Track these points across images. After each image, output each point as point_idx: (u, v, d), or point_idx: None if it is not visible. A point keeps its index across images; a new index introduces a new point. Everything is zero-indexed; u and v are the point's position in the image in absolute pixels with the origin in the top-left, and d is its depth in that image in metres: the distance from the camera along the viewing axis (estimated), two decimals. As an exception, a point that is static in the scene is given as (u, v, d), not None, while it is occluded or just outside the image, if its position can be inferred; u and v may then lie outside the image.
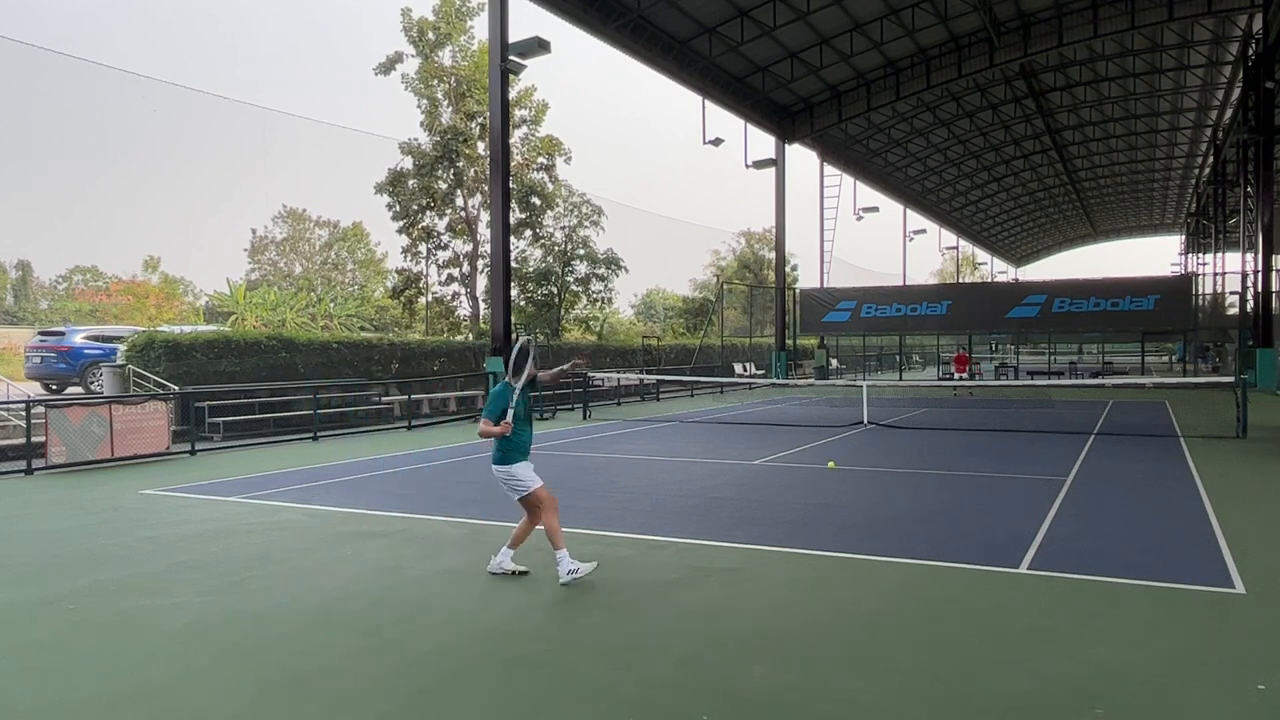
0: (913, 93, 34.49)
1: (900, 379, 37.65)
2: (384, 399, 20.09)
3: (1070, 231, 78.85)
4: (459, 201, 31.94)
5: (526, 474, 5.99)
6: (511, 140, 26.79)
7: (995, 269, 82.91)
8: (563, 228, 34.62)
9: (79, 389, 18.27)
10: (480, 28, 30.56)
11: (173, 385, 16.04)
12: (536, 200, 32.81)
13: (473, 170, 31.03)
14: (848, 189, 43.55)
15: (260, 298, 39.63)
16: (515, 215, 29.81)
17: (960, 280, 69.93)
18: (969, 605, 5.30)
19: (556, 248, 34.61)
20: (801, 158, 61.42)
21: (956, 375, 28.78)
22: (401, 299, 33.64)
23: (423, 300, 33.67)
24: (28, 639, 4.90)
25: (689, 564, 6.37)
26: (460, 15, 30.49)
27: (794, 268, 50.72)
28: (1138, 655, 4.40)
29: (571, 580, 5.82)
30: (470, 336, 31.13)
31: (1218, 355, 40.48)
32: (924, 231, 56.16)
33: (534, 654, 4.54)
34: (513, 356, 6.06)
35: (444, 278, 33.10)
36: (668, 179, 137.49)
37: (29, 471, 11.51)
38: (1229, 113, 37.19)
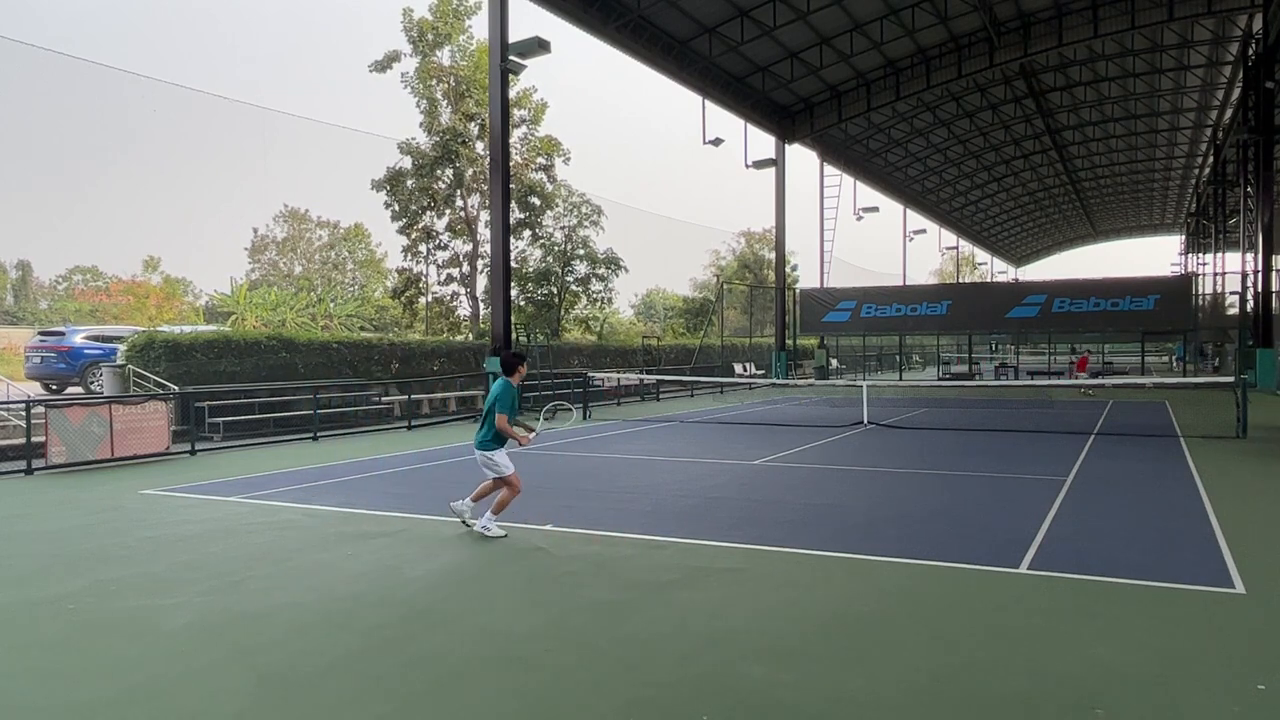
0: (913, 93, 34.49)
1: (900, 379, 37.64)
2: (384, 399, 20.09)
3: (1070, 231, 78.86)
4: (458, 201, 31.95)
5: (505, 459, 7.39)
6: (511, 140, 26.79)
7: (995, 269, 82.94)
8: (562, 228, 34.65)
9: (79, 389, 18.27)
10: (478, 27, 30.60)
11: (173, 385, 16.04)
12: (536, 200, 32.82)
13: (472, 170, 31.03)
14: (848, 189, 43.59)
15: (260, 298, 39.63)
16: (515, 215, 29.81)
17: (960, 280, 69.93)
18: (969, 605, 5.29)
19: (556, 248, 34.62)
20: (801, 158, 61.44)
21: (1077, 375, 28.96)
22: (401, 299, 33.64)
23: (423, 300, 33.67)
24: (28, 639, 4.90)
25: (689, 564, 6.36)
26: (458, 15, 30.48)
27: (794, 268, 50.75)
28: (1138, 655, 4.40)
29: (480, 530, 7.27)
30: (470, 336, 31.13)
31: (1216, 355, 40.55)
32: (924, 231, 56.18)
33: (534, 654, 4.53)
34: (509, 360, 7.54)
35: (444, 278, 33.14)
36: (668, 179, 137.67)
37: (29, 471, 11.50)
38: (1229, 113, 37.20)
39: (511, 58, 20.68)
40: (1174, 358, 46.91)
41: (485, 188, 29.71)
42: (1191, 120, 42.50)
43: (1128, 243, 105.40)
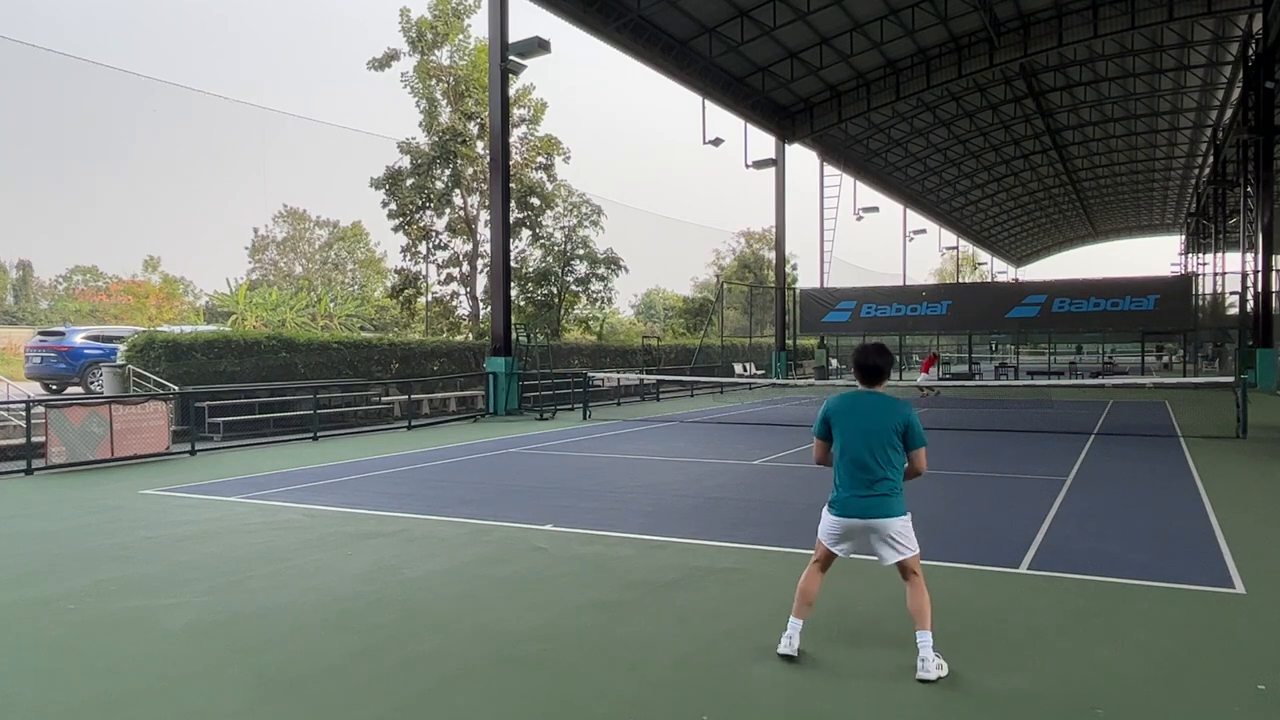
0: (913, 93, 34.51)
1: (900, 379, 37.59)
2: (384, 399, 20.09)
3: (1070, 231, 78.88)
4: (458, 201, 31.95)
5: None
6: (510, 140, 26.80)
7: (995, 269, 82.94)
8: (562, 228, 34.64)
9: (79, 389, 18.26)
10: (477, 26, 30.59)
11: (173, 385, 16.03)
12: (536, 200, 32.82)
13: (471, 170, 31.03)
14: (848, 189, 43.63)
15: (260, 298, 39.63)
16: (514, 215, 29.82)
17: (960, 280, 69.93)
18: (969, 605, 5.29)
19: (556, 248, 34.62)
20: (801, 158, 61.47)
21: (922, 376, 28.79)
22: (400, 299, 33.65)
23: (422, 300, 33.68)
24: (27, 639, 4.89)
25: (689, 564, 6.36)
26: (457, 14, 30.47)
27: (794, 268, 50.76)
28: (1138, 655, 4.40)
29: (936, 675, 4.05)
30: (470, 336, 31.13)
31: (1216, 355, 40.62)
32: (924, 231, 56.22)
33: (534, 654, 4.53)
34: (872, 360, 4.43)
35: (443, 277, 33.16)
36: (668, 179, 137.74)
37: (29, 471, 11.50)
38: (1229, 113, 37.21)
39: (511, 58, 20.68)
40: (1171, 356, 47.11)
41: (485, 187, 29.70)
42: (1191, 120, 42.50)
43: (1128, 243, 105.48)
